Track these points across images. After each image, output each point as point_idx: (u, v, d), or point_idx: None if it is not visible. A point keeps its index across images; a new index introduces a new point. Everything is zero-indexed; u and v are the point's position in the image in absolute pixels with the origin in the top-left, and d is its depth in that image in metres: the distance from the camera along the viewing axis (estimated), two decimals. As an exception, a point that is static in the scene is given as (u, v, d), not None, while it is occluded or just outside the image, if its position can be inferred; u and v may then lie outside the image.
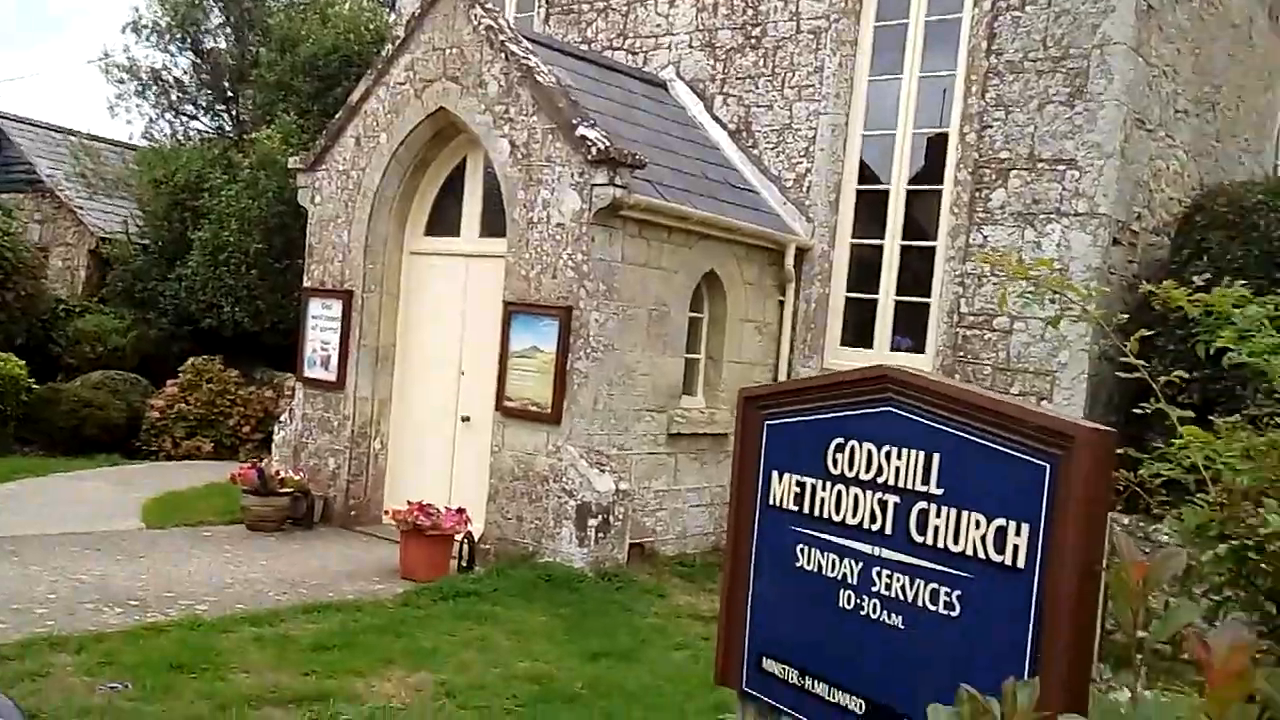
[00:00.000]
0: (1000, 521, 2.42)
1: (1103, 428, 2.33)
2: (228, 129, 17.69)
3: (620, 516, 8.36)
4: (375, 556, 8.80)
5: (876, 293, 10.01)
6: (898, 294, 9.88)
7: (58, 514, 9.27)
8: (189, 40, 17.23)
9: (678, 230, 9.00)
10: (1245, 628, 1.67)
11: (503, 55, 8.84)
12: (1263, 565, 2.44)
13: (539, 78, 8.62)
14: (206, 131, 18.12)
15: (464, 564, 8.41)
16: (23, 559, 7.66)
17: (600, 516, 8.20)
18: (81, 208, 18.01)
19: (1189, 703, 1.46)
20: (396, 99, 9.63)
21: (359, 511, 9.93)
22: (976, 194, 9.27)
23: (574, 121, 8.38)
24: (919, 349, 9.75)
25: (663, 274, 8.98)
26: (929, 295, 9.67)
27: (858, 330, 10.14)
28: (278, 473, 9.51)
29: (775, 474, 3.01)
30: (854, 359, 9.99)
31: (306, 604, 7.19)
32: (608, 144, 8.21)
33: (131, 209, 17.38)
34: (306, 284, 10.40)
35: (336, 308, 9.97)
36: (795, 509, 2.94)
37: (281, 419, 10.66)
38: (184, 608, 6.90)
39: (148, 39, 17.06)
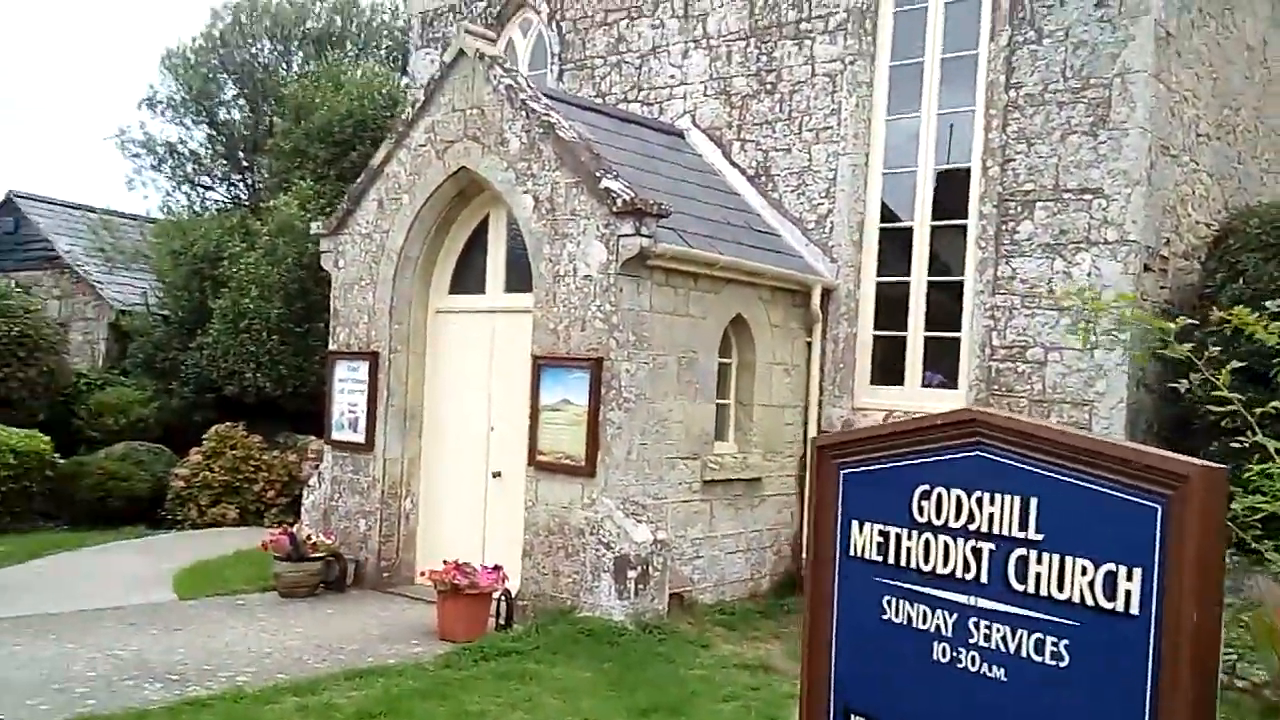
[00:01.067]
0: (1109, 566, 2.33)
1: (1214, 465, 2.24)
2: (244, 198, 17.83)
3: (659, 567, 8.24)
4: (411, 618, 8.68)
5: (904, 330, 9.94)
6: (927, 330, 9.80)
7: (91, 589, 9.19)
8: (204, 113, 17.43)
9: (704, 277, 8.97)
10: None
11: (523, 113, 8.87)
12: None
13: (561, 133, 8.64)
14: (222, 201, 18.30)
15: (502, 622, 8.28)
16: (60, 637, 7.56)
17: (639, 568, 8.08)
18: (100, 282, 18.13)
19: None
20: (418, 161, 9.67)
21: (391, 573, 9.82)
22: (1003, 227, 9.23)
23: (597, 174, 8.38)
24: (951, 384, 9.66)
25: (691, 321, 8.93)
26: (959, 330, 9.59)
27: (887, 368, 10.05)
28: (309, 537, 9.42)
29: (855, 524, 2.93)
30: (885, 397, 9.92)
31: (347, 670, 7.07)
32: (632, 194, 8.20)
33: (150, 281, 17.50)
34: (332, 347, 10.38)
35: (363, 369, 9.93)
36: (880, 559, 2.85)
37: (310, 483, 10.59)
38: (225, 680, 6.79)
39: (163, 113, 17.26)
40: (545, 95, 9.26)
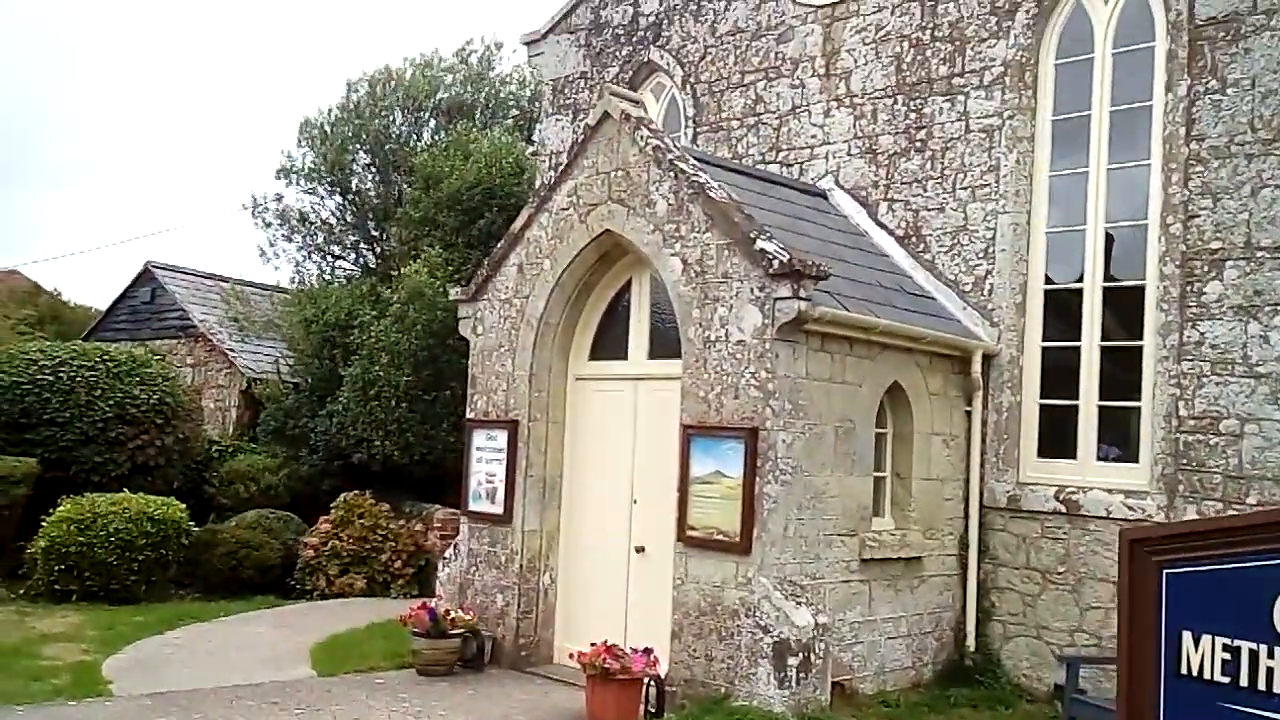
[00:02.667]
0: None
1: None
2: (373, 266, 18.01)
3: (821, 654, 7.67)
4: (556, 701, 8.25)
5: (1073, 399, 9.25)
6: (1100, 399, 9.11)
7: (228, 663, 9.00)
8: (337, 183, 17.73)
9: (860, 342, 8.49)
10: None
11: (671, 174, 8.59)
12: None
13: (711, 194, 8.33)
14: (352, 270, 18.50)
15: (652, 709, 7.79)
16: (205, 715, 7.33)
17: (800, 654, 7.52)
18: (233, 350, 18.48)
19: None
20: (560, 225, 9.46)
21: (529, 651, 9.42)
22: (1187, 288, 8.54)
23: (751, 235, 8.02)
24: (1130, 458, 8.92)
25: (846, 388, 8.44)
26: (1136, 399, 8.88)
27: (1055, 440, 9.36)
28: (447, 612, 9.10)
29: (1187, 636, 2.41)
30: (1054, 471, 9.25)
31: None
32: (789, 255, 7.81)
33: (280, 349, 17.74)
34: (470, 415, 10.15)
35: (501, 438, 9.66)
36: (1225, 680, 2.32)
37: (446, 555, 10.31)
38: (371, 768, 6.43)
39: (298, 182, 17.61)
40: (692, 156, 8.97)
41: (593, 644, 7.82)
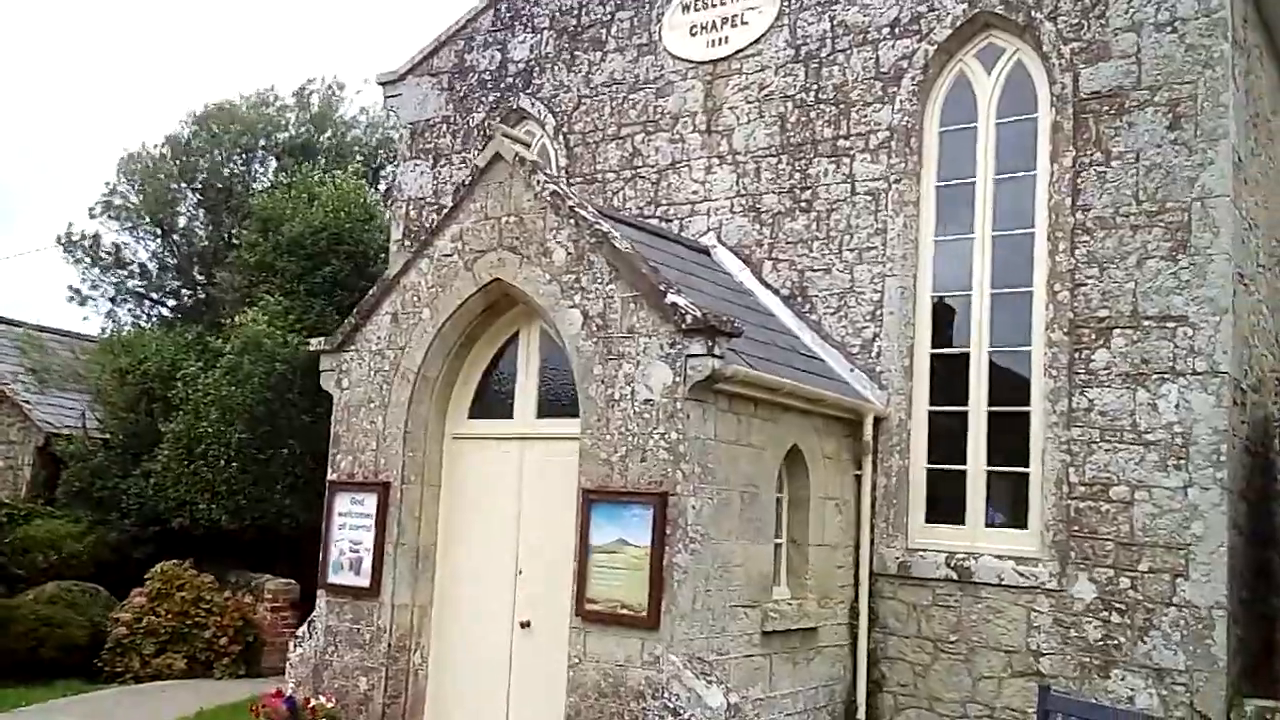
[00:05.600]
0: None
1: None
2: (199, 313, 16.62)
3: (734, 737, 7.16)
4: (435, 800, 7.40)
5: (961, 463, 9.22)
6: (989, 464, 9.09)
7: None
8: (160, 222, 16.33)
9: (764, 403, 8.17)
10: None
11: (571, 221, 8.10)
12: None
13: (615, 243, 7.88)
14: (171, 317, 17.02)
15: (547, 804, 7.08)
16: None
17: (714, 739, 6.99)
18: (28, 402, 16.58)
19: None
20: (443, 272, 8.79)
21: (397, 741, 8.51)
22: (1076, 355, 8.66)
23: (660, 288, 7.61)
24: (1018, 524, 8.91)
25: (751, 451, 8.08)
26: (1025, 465, 8.90)
27: (944, 505, 9.28)
28: (308, 701, 8.12)
29: None
30: (943, 537, 9.16)
31: None
32: (702, 311, 7.42)
33: (85, 402, 16.04)
34: (331, 476, 9.23)
35: (370, 502, 8.80)
36: None
37: (299, 634, 9.26)
38: None
39: (116, 218, 16.10)
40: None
41: (485, 733, 7.07)
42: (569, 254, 8.10)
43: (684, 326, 7.43)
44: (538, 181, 8.34)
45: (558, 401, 8.48)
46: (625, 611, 7.38)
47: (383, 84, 13.92)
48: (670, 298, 7.53)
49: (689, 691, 7.08)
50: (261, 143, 16.69)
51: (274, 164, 17.00)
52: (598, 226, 7.99)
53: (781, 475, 8.63)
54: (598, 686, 7.45)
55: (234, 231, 15.86)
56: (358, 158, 17.53)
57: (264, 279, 14.70)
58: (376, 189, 17.00)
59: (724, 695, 7.17)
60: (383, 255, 15.14)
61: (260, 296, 14.26)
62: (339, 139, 17.81)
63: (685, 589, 7.33)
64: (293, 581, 13.47)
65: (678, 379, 7.46)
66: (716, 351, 7.39)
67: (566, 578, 7.85)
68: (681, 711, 7.05)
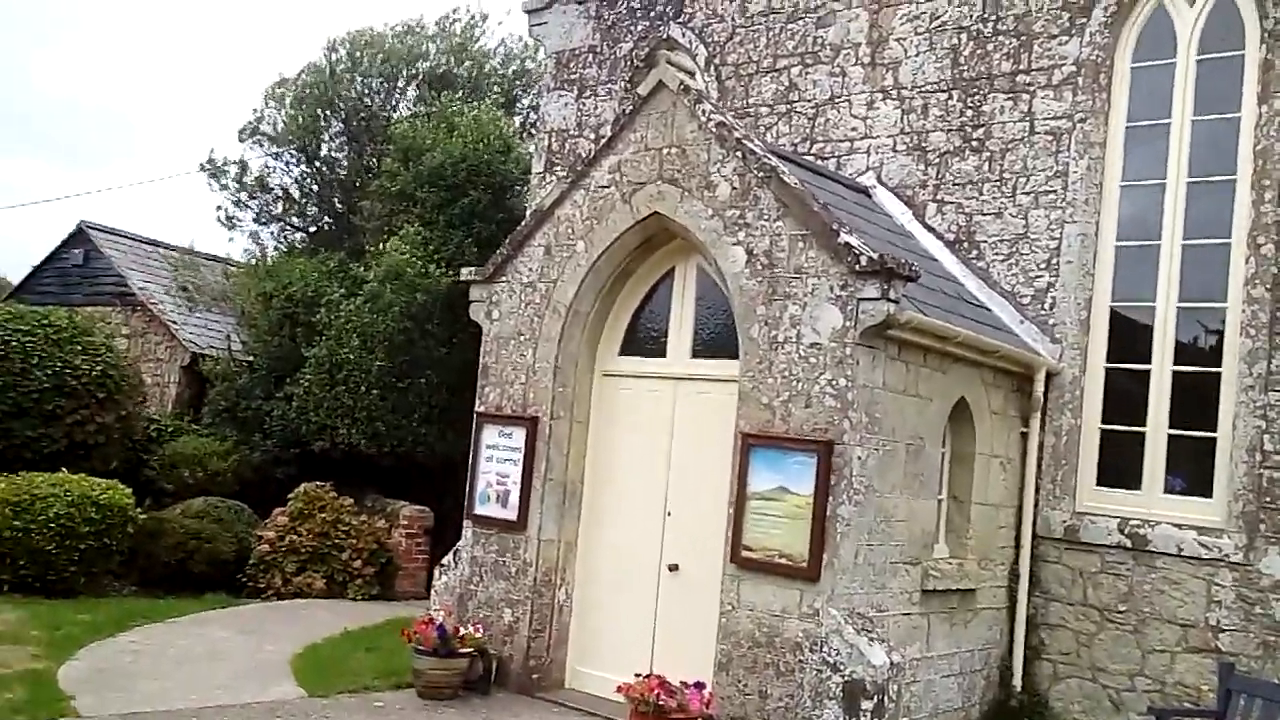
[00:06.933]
0: None
1: None
2: (340, 240, 16.76)
3: (894, 696, 6.88)
4: (582, 737, 7.34)
5: (1139, 425, 8.64)
6: (1171, 427, 8.50)
7: (203, 677, 7.88)
8: (305, 149, 16.45)
9: (934, 352, 7.74)
10: None
11: (738, 154, 7.74)
12: None
13: (785, 178, 7.49)
14: (312, 245, 17.20)
15: (698, 751, 6.92)
16: (189, 746, 6.26)
17: (875, 697, 6.72)
18: (175, 322, 17.04)
19: None
20: (599, 204, 8.53)
21: (540, 674, 8.47)
22: (1278, 314, 7.97)
23: (834, 227, 7.21)
24: (1201, 492, 8.32)
25: (918, 402, 7.69)
26: (1212, 429, 8.29)
27: (1117, 468, 8.73)
28: (457, 629, 8.10)
29: None
30: (1115, 502, 8.63)
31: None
32: (878, 253, 7.01)
33: (230, 324, 16.40)
34: (480, 409, 9.14)
35: (519, 436, 8.69)
36: None
37: (444, 562, 9.28)
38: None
39: (261, 145, 16.29)
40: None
41: (637, 676, 6.93)
42: (734, 189, 7.75)
43: (857, 268, 7.03)
44: (703, 111, 7.98)
45: (714, 342, 8.19)
46: (784, 561, 7.12)
47: (528, 11, 13.62)
48: (843, 237, 7.14)
49: (850, 647, 6.80)
50: (404, 71, 16.63)
51: (414, 94, 16.93)
52: (766, 160, 7.61)
53: (946, 429, 8.21)
54: (751, 636, 7.23)
55: (375, 160, 15.85)
56: (495, 89, 17.35)
57: (404, 208, 14.68)
58: (513, 120, 16.78)
59: (886, 653, 6.88)
60: (519, 187, 15.01)
61: (401, 226, 14.25)
62: (477, 69, 17.63)
63: (848, 542, 7.02)
64: (426, 509, 13.61)
65: (848, 323, 7.09)
66: (892, 295, 6.98)
67: (718, 522, 7.63)
68: (842, 667, 6.79)
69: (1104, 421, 8.84)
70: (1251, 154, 8.30)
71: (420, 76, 16.58)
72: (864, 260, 7.00)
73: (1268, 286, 8.04)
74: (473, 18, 17.84)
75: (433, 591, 9.29)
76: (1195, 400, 8.44)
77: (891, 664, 6.86)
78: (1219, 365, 8.33)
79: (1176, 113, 8.81)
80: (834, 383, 7.12)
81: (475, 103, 15.73)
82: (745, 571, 7.32)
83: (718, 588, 7.50)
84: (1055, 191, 9.16)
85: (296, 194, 16.99)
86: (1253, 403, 8.00)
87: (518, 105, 18.39)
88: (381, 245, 13.86)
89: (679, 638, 7.98)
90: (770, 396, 7.40)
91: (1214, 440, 8.27)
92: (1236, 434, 8.07)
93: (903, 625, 7.57)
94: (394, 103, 16.79)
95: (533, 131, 14.74)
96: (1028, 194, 9.31)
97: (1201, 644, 7.99)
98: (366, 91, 16.39)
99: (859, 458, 7.09)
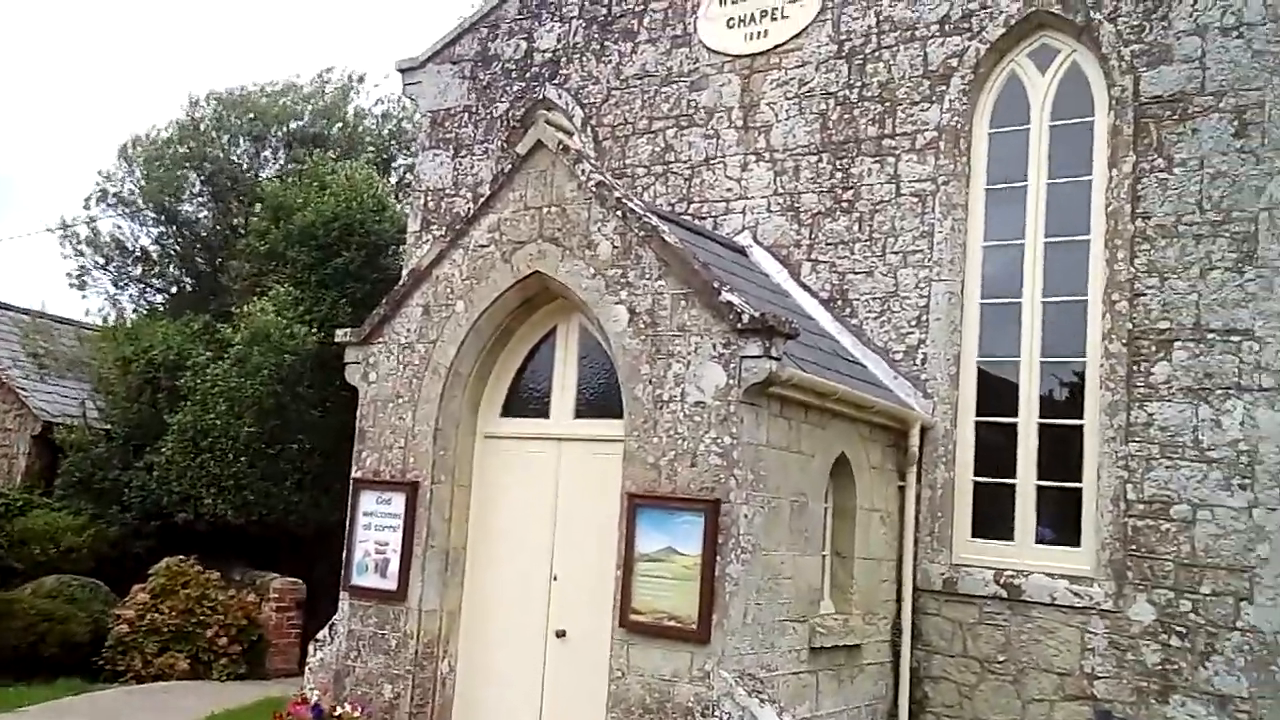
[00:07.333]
0: None
1: None
2: (203, 302, 16.16)
3: (785, 759, 6.83)
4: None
5: (1010, 477, 8.91)
6: (1039, 479, 8.78)
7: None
8: (164, 209, 15.86)
9: (814, 408, 7.84)
10: None
11: (618, 214, 7.76)
12: None
13: (666, 237, 7.54)
14: (173, 307, 16.53)
15: (586, 825, 6.73)
16: None
17: (767, 760, 6.66)
18: (24, 389, 16.11)
19: None
20: (478, 263, 8.43)
21: (421, 752, 8.15)
22: (1135, 367, 8.36)
23: (715, 285, 7.27)
24: (1069, 541, 8.59)
25: (801, 459, 7.76)
26: (1078, 480, 8.60)
27: (991, 520, 8.97)
28: (333, 708, 7.75)
29: None
30: (990, 553, 8.85)
31: None
32: (759, 311, 7.09)
33: (86, 391, 15.58)
34: (357, 474, 8.85)
35: (398, 502, 8.43)
36: None
37: (319, 637, 8.88)
38: None
39: (115, 207, 15.65)
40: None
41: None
42: (615, 248, 7.76)
43: (740, 326, 7.09)
44: (582, 171, 8.00)
45: (598, 401, 8.13)
46: (673, 623, 7.04)
47: (402, 70, 13.52)
48: (725, 295, 7.20)
49: (742, 710, 6.74)
50: (275, 130, 16.26)
51: (284, 153, 16.57)
52: (647, 220, 7.65)
53: (828, 485, 8.30)
54: (642, 702, 7.10)
55: (242, 219, 15.41)
56: (370, 148, 17.13)
57: (274, 268, 14.29)
58: (389, 180, 16.57)
59: (777, 714, 6.83)
60: (395, 247, 14.79)
61: (270, 286, 13.85)
62: (352, 129, 17.39)
63: (737, 601, 6.99)
64: (298, 580, 13.10)
65: (732, 381, 7.13)
66: (774, 353, 7.05)
67: (605, 586, 7.51)
68: (732, 731, 6.71)
69: (976, 474, 9.08)
70: (1104, 214, 8.73)
71: (292, 135, 16.23)
72: (746, 318, 7.06)
73: (1124, 341, 8.42)
74: (348, 78, 17.63)
75: (307, 669, 8.87)
76: (1061, 452, 8.75)
77: (782, 725, 6.81)
78: (1082, 418, 8.66)
79: (1033, 176, 9.23)
80: (719, 441, 7.13)
81: (349, 161, 15.46)
82: (634, 635, 7.21)
83: (607, 653, 7.36)
84: (922, 251, 9.46)
85: (156, 254, 16.32)
86: (1115, 453, 8.33)
87: (394, 164, 18.18)
88: (249, 306, 13.42)
89: (568, 707, 7.79)
90: (656, 456, 7.36)
91: (1080, 490, 8.58)
92: (1101, 484, 8.38)
93: (792, 685, 7.55)
94: (262, 161, 16.38)
95: (409, 190, 14.54)
96: (896, 253, 9.60)
97: (1078, 691, 8.19)
98: (234, 150, 15.94)
99: (746, 515, 7.09)
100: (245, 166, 16.26)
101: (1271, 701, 7.53)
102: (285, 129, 16.35)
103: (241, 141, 16.12)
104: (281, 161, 16.34)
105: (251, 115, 16.09)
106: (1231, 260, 8.13)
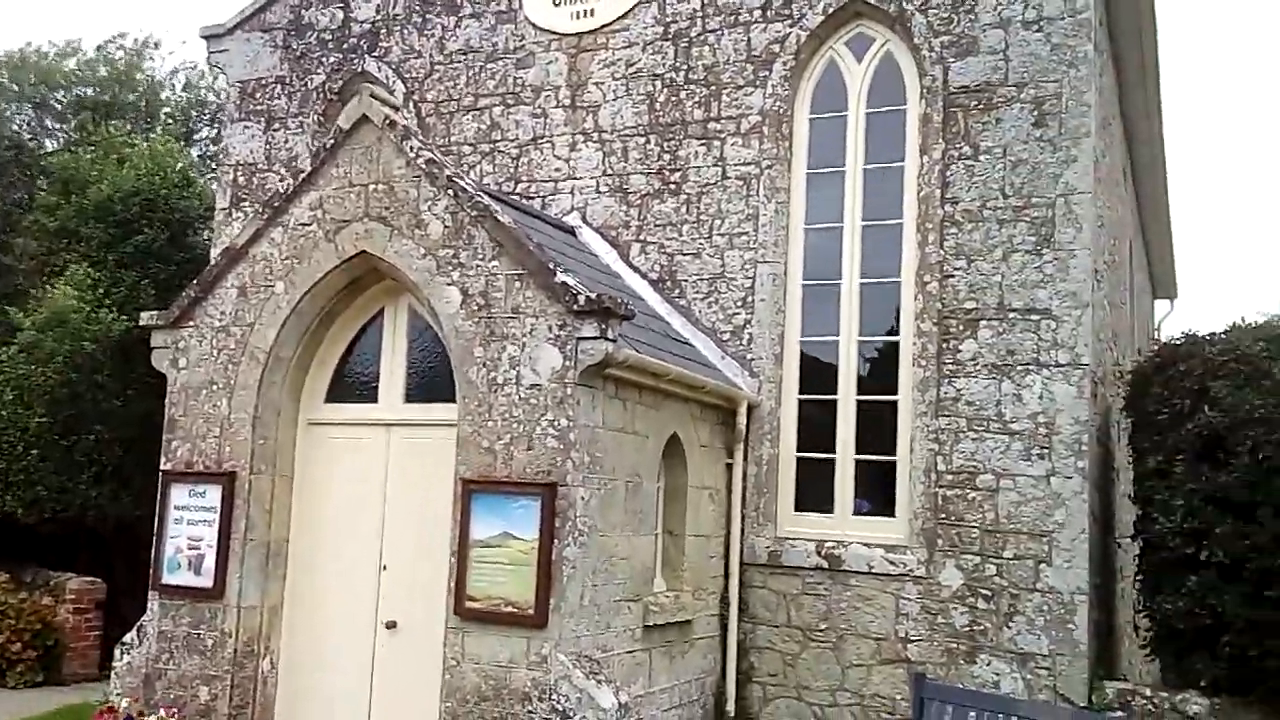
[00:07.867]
0: None
1: None
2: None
3: (623, 737, 6.88)
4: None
5: (830, 452, 9.24)
6: (858, 453, 9.15)
7: None
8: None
9: (648, 389, 7.90)
10: None
11: (449, 193, 7.57)
12: None
13: (499, 217, 7.41)
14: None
15: (423, 818, 6.60)
16: None
17: (605, 740, 6.69)
18: None
19: None
20: (300, 242, 8.06)
21: (244, 755, 7.79)
22: (944, 345, 8.80)
23: (550, 266, 7.20)
24: (885, 511, 9.00)
25: (636, 440, 7.81)
26: (893, 453, 9.00)
27: (813, 494, 9.28)
28: (142, 715, 7.30)
29: None
30: (812, 526, 9.16)
31: None
32: (595, 292, 7.07)
33: None
34: (167, 466, 8.34)
35: (213, 495, 8.00)
36: None
37: (125, 640, 8.33)
38: None
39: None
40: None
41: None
42: (446, 227, 7.58)
43: (575, 308, 7.06)
44: (411, 148, 7.76)
45: (429, 386, 7.94)
46: (510, 609, 6.96)
47: (207, 37, 12.78)
48: (560, 276, 7.14)
49: (579, 692, 6.74)
50: (61, 96, 15.06)
51: (72, 121, 15.38)
52: (479, 199, 7.50)
53: (660, 465, 8.38)
54: (478, 690, 7.01)
55: (26, 195, 14.23)
56: (170, 119, 16.11)
57: (66, 246, 13.27)
58: (191, 153, 15.65)
59: (614, 694, 6.88)
60: (201, 225, 14.01)
61: (64, 266, 12.86)
62: (148, 97, 16.29)
63: (574, 584, 6.98)
64: (97, 580, 12.28)
65: (568, 363, 7.09)
66: (610, 335, 7.05)
67: (437, 574, 7.37)
68: (571, 714, 6.71)
69: (799, 450, 9.37)
70: (916, 200, 9.13)
71: (80, 102, 15.07)
72: (582, 300, 7.03)
73: (934, 321, 8.85)
74: (139, 43, 16.48)
75: (113, 673, 8.32)
76: (877, 427, 9.13)
77: (619, 705, 6.86)
78: (896, 394, 9.06)
79: (850, 161, 9.55)
80: (555, 423, 7.08)
81: (148, 132, 14.49)
82: (470, 623, 7.10)
83: (441, 642, 7.22)
84: (748, 233, 9.66)
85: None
86: (926, 428, 8.75)
87: (196, 136, 17.17)
88: (43, 288, 12.42)
89: (399, 700, 7.61)
90: (491, 440, 7.25)
91: (895, 463, 8.98)
92: (914, 456, 8.80)
93: (627, 664, 7.61)
94: (48, 130, 15.16)
95: (215, 164, 13.78)
96: (723, 235, 9.77)
97: (893, 655, 8.60)
98: (15, 117, 14.68)
99: (583, 498, 7.08)
100: (29, 136, 15.00)
101: (1069, 658, 8.11)
102: (71, 95, 15.16)
103: (24, 108, 14.87)
104: (72, 130, 15.15)
105: (33, 79, 14.85)
106: (1031, 244, 8.66)
